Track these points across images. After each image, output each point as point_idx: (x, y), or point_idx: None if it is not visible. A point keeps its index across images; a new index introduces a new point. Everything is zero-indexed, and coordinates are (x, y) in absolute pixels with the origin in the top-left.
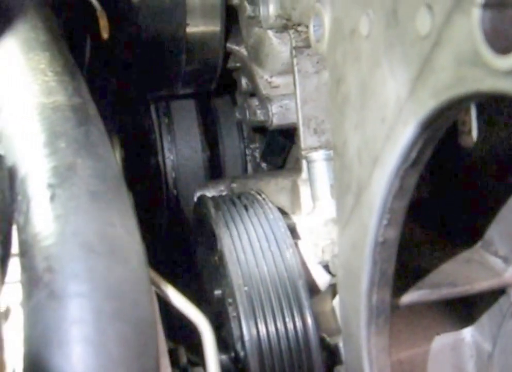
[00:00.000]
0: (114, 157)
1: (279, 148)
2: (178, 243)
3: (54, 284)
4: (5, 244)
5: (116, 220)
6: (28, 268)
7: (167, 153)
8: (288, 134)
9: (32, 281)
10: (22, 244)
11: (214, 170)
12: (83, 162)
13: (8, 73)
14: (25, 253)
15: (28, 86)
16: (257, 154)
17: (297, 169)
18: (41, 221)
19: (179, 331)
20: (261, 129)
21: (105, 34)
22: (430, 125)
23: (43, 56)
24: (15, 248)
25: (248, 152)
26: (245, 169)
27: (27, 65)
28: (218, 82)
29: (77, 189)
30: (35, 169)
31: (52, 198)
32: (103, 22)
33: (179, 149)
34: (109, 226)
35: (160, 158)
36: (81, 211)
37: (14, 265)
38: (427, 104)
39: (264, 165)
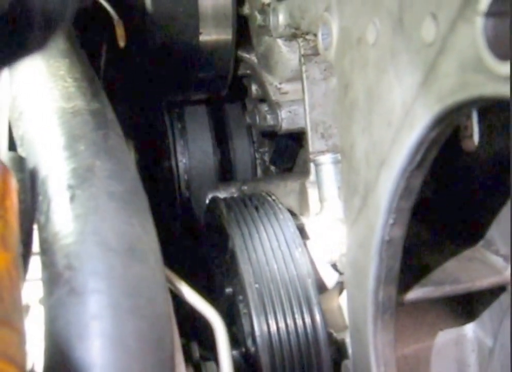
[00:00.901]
0: (132, 159)
1: (288, 152)
2: (191, 242)
3: (74, 281)
4: (27, 242)
5: (134, 219)
6: (49, 266)
7: (180, 157)
8: (297, 138)
9: (53, 278)
10: (43, 242)
11: (225, 173)
12: (102, 164)
13: (29, 79)
14: (45, 251)
15: (49, 91)
16: (266, 158)
17: (305, 172)
18: (61, 220)
19: (190, 328)
20: (270, 133)
21: (122, 43)
22: (434, 129)
23: (62, 63)
24: (36, 246)
25: (257, 155)
26: (255, 172)
27: (47, 71)
28: (229, 88)
29: (96, 190)
30: (56, 171)
31: (72, 198)
32: (120, 31)
33: (192, 152)
34: (126, 225)
35: (173, 161)
36: (100, 211)
37: (34, 264)
38: (431, 109)
39: (273, 168)
